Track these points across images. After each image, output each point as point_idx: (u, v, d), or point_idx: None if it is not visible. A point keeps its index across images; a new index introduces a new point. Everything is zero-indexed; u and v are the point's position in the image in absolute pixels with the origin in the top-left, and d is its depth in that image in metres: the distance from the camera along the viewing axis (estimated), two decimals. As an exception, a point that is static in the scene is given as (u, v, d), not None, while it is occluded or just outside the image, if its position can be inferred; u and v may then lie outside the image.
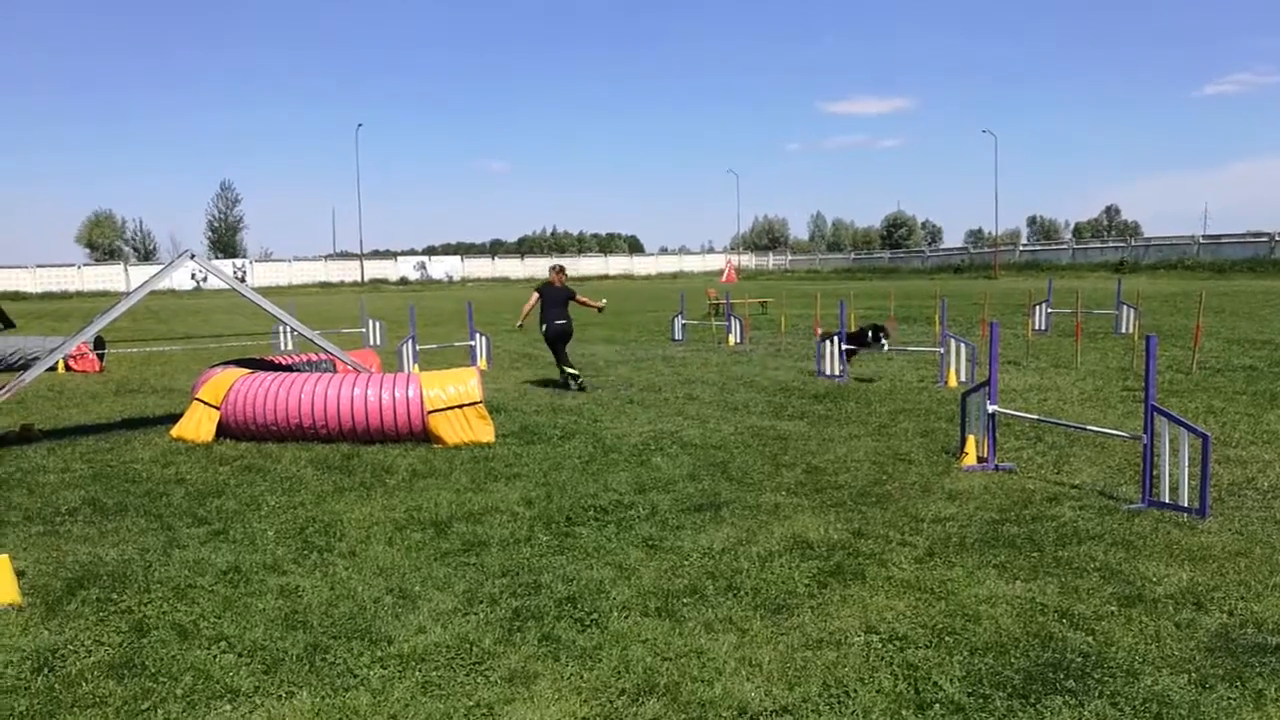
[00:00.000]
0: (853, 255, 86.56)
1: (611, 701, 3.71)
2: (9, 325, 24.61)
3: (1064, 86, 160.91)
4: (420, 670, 4.02)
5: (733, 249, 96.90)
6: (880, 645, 4.17)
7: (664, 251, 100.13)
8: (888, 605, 4.63)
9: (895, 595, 4.77)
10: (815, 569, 5.17)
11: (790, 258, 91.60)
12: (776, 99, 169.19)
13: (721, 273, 64.06)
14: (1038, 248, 70.01)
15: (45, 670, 4.09)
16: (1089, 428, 7.68)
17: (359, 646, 4.28)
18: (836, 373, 12.67)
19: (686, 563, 5.33)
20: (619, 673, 3.95)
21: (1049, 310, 19.45)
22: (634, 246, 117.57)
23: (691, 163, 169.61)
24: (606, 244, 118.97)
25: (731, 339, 18.69)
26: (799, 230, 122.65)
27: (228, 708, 3.74)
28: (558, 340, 12.46)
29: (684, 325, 20.09)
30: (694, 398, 11.40)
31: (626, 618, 4.54)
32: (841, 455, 7.96)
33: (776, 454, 8.07)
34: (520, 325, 13.82)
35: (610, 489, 7.01)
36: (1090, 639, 4.19)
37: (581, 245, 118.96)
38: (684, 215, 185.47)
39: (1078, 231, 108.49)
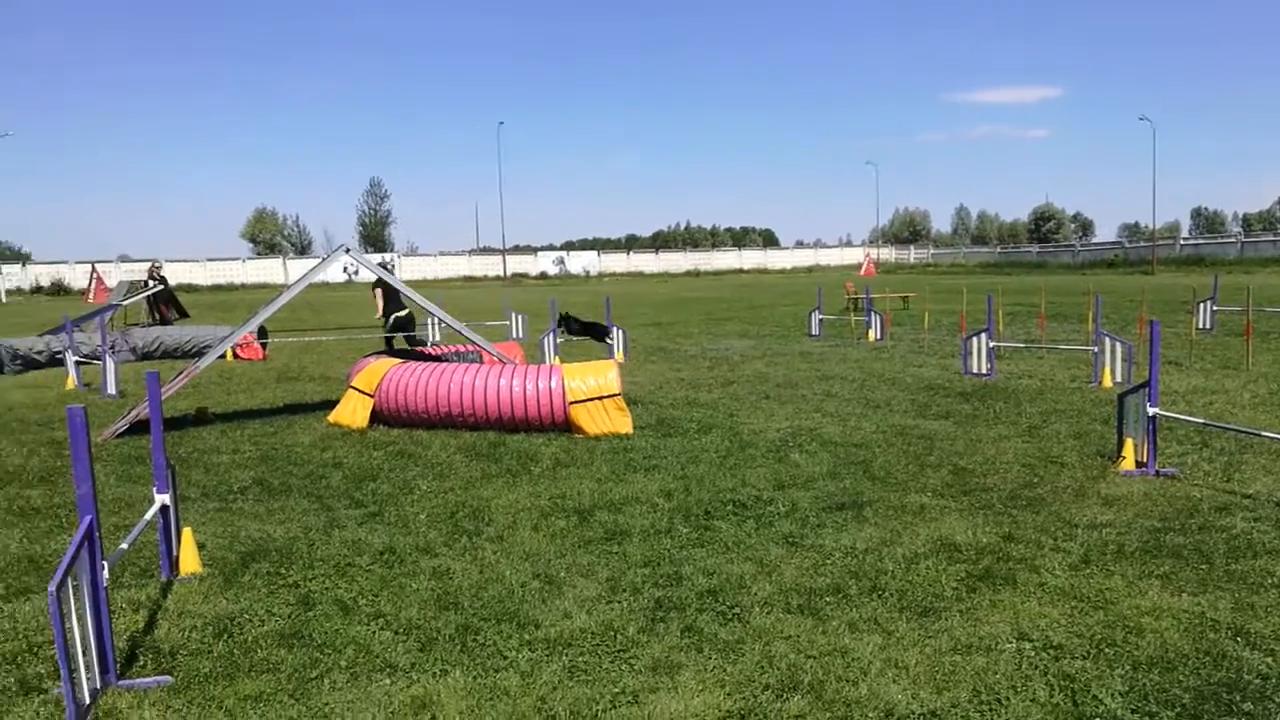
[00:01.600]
0: (998, 249, 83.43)
1: (755, 696, 3.71)
2: (183, 315, 26.46)
3: (1229, 69, 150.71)
4: (567, 655, 4.12)
5: (871, 242, 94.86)
6: (1034, 653, 4.03)
7: (799, 245, 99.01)
8: (1041, 612, 4.47)
9: (1049, 602, 4.60)
10: (963, 572, 5.04)
11: (932, 251, 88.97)
12: (917, 88, 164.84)
13: (860, 266, 62.84)
14: (1201, 241, 65.87)
15: (225, 636, 4.40)
16: (1265, 433, 7.19)
17: (508, 629, 4.42)
18: (984, 371, 12.27)
19: (828, 561, 5.28)
20: (762, 667, 3.96)
21: (1214, 308, 18.27)
22: (768, 240, 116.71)
23: (828, 155, 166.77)
24: (740, 238, 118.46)
25: (871, 334, 18.33)
26: (941, 223, 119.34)
27: (386, 681, 3.93)
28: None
29: (821, 320, 19.82)
30: (832, 394, 11.24)
31: (768, 613, 4.54)
32: (990, 456, 7.71)
33: (921, 454, 7.88)
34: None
35: (748, 484, 7.00)
36: (1270, 660, 3.93)
37: (715, 239, 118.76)
38: (820, 208, 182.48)
39: (1247, 224, 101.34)
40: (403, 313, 14.33)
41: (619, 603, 4.72)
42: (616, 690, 3.78)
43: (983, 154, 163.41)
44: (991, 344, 12.36)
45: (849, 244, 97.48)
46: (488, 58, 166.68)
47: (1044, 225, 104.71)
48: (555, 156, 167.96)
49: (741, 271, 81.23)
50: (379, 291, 14.22)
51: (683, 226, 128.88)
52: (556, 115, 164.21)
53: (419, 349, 12.30)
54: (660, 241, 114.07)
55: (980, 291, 27.31)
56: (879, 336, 18.17)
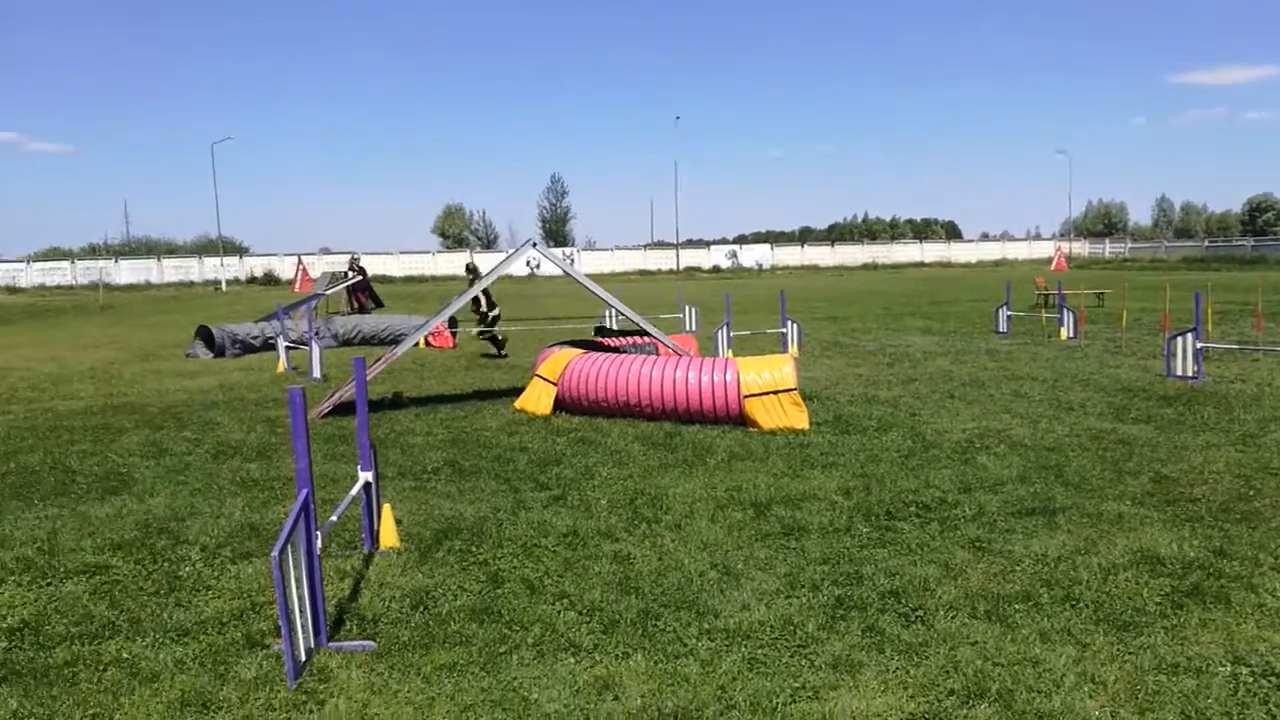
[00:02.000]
0: (1206, 243, 77.24)
1: (940, 700, 3.63)
2: (380, 305, 28.08)
3: None
4: (746, 646, 4.15)
5: (1063, 235, 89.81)
6: (1252, 680, 3.75)
7: (985, 238, 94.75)
8: (1259, 636, 4.15)
9: (1269, 626, 4.26)
10: (1168, 587, 4.73)
11: (1130, 245, 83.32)
12: (1115, 70, 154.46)
13: (1050, 260, 59.65)
14: None
15: (421, 608, 4.67)
16: None
17: (687, 617, 4.49)
18: (1190, 374, 11.43)
19: (1018, 568, 5.07)
20: (947, 672, 3.86)
21: None
22: (951, 232, 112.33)
23: (1016, 143, 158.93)
24: (921, 230, 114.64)
25: (1064, 332, 17.39)
26: (1140, 215, 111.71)
27: (571, 660, 4.07)
28: None
29: (1009, 317, 18.96)
30: (1022, 395, 10.75)
31: (953, 618, 4.41)
32: (1197, 465, 7.19)
33: (1119, 460, 7.44)
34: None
35: (932, 485, 6.81)
36: None
37: (894, 231, 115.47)
38: (1007, 199, 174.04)
39: None
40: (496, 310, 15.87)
41: (798, 598, 4.70)
42: (796, 685, 3.78)
43: (1189, 140, 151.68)
44: (1199, 345, 11.49)
45: (1038, 237, 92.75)
46: (661, 53, 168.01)
47: (1261, 216, 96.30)
48: (730, 149, 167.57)
49: (922, 265, 78.66)
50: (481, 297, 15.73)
51: (860, 218, 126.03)
52: (731, 107, 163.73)
53: (603, 340, 12.59)
54: (836, 234, 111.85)
55: (1185, 288, 25.37)
56: (1072, 335, 17.21)
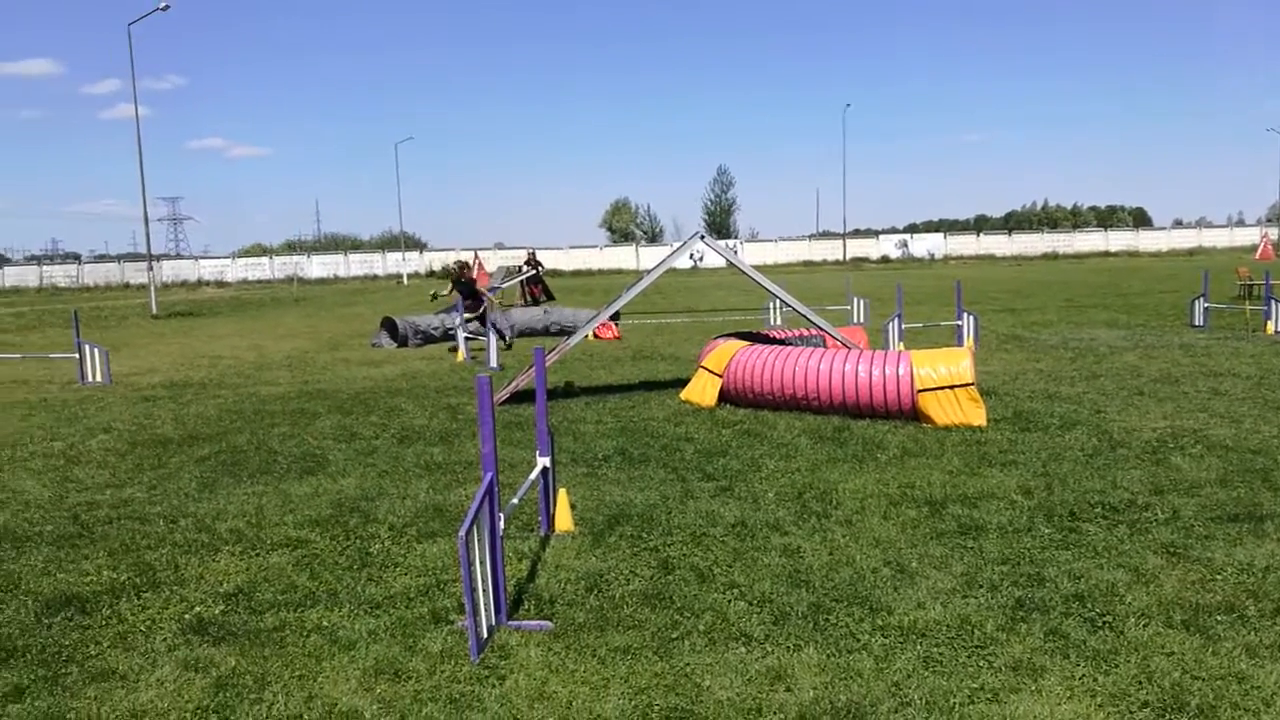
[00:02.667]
0: None
1: (1132, 712, 3.45)
2: (550, 298, 28.89)
3: None
4: (921, 645, 4.07)
5: (1269, 221, 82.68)
6: None
7: (1177, 225, 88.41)
8: None
9: None
10: (1396, 605, 4.32)
11: (1351, 231, 75.86)
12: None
13: (1255, 248, 55.05)
14: None
15: (595, 590, 4.81)
16: None
17: (859, 612, 4.43)
18: None
19: (1219, 577, 4.75)
20: (1139, 682, 3.66)
21: None
22: (1139, 219, 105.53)
23: (1214, 122, 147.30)
24: (1106, 217, 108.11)
25: (1270, 326, 16.04)
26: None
27: (742, 649, 4.10)
28: None
29: (1207, 309, 17.65)
30: (1221, 392, 10.01)
31: (1145, 626, 4.18)
32: None
33: (1337, 464, 6.83)
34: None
35: (1120, 486, 6.45)
36: None
37: (1076, 219, 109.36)
38: (1203, 183, 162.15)
39: None
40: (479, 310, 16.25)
41: (975, 598, 4.57)
42: (975, 685, 3.68)
43: None
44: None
45: (1241, 223, 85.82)
46: (831, 35, 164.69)
47: None
48: (900, 136, 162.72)
49: (1108, 254, 74.21)
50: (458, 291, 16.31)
51: (1039, 206, 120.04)
52: (902, 93, 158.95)
53: (769, 332, 12.53)
54: (1013, 222, 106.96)
55: None
56: (1280, 329, 15.87)
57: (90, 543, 5.90)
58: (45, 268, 74.23)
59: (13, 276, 71.04)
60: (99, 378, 13.79)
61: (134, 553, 5.67)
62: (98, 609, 4.79)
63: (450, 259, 71.96)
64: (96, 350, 14.04)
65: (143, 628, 4.53)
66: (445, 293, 16.86)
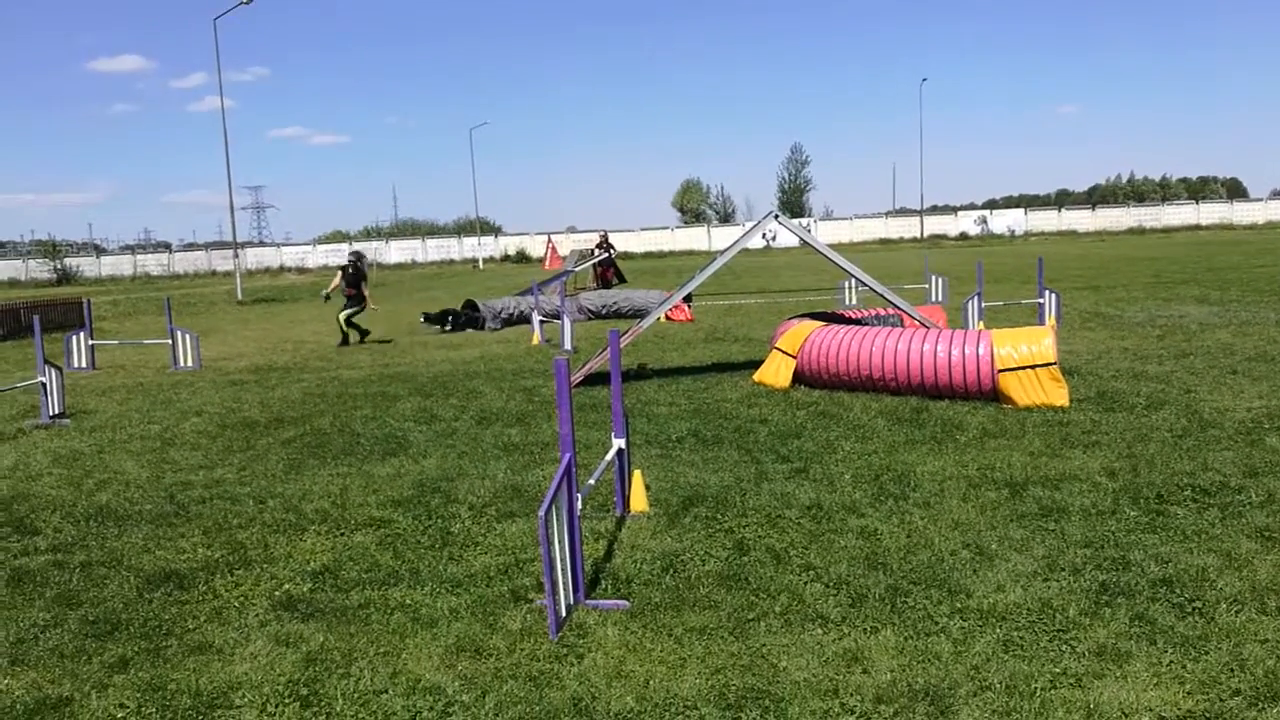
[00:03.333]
0: None
1: (1223, 700, 3.36)
2: (622, 280, 28.99)
3: None
4: (1001, 628, 4.01)
5: (1376, 190, 78.55)
6: None
7: (1276, 196, 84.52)
8: None
9: None
10: None
11: None
12: None
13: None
14: None
15: (671, 571, 4.85)
16: None
17: (937, 595, 4.39)
18: None
19: (1316, 561, 4.58)
20: (1231, 670, 3.56)
21: None
22: (1234, 190, 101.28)
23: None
24: (1197, 189, 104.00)
25: (1375, 301, 15.31)
26: None
27: (819, 631, 4.10)
28: None
29: (1307, 284, 16.90)
30: (1322, 370, 9.60)
31: (1238, 612, 4.06)
32: None
33: None
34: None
35: (1211, 468, 6.25)
36: None
37: (1166, 191, 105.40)
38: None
39: None
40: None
41: (1057, 581, 4.49)
42: (1057, 670, 3.62)
43: None
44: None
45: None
46: (907, 4, 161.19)
47: None
48: (981, 108, 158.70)
49: (1199, 228, 71.41)
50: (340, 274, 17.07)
51: (1124, 179, 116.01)
52: (982, 65, 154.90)
53: (844, 312, 12.40)
54: (1097, 196, 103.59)
55: None
56: (1387, 303, 15.12)
57: (186, 521, 6.15)
58: (139, 257, 77.06)
59: (109, 266, 73.91)
60: (190, 362, 14.31)
61: (226, 531, 5.89)
62: (194, 585, 5.00)
63: (523, 244, 72.62)
64: (188, 336, 14.57)
65: (236, 603, 4.72)
66: (331, 287, 17.61)
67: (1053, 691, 3.48)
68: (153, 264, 74.71)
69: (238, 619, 4.53)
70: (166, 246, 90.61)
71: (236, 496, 6.70)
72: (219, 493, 6.82)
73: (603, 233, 34.14)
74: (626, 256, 65.01)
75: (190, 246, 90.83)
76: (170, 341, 14.51)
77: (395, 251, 74.72)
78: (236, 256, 39.40)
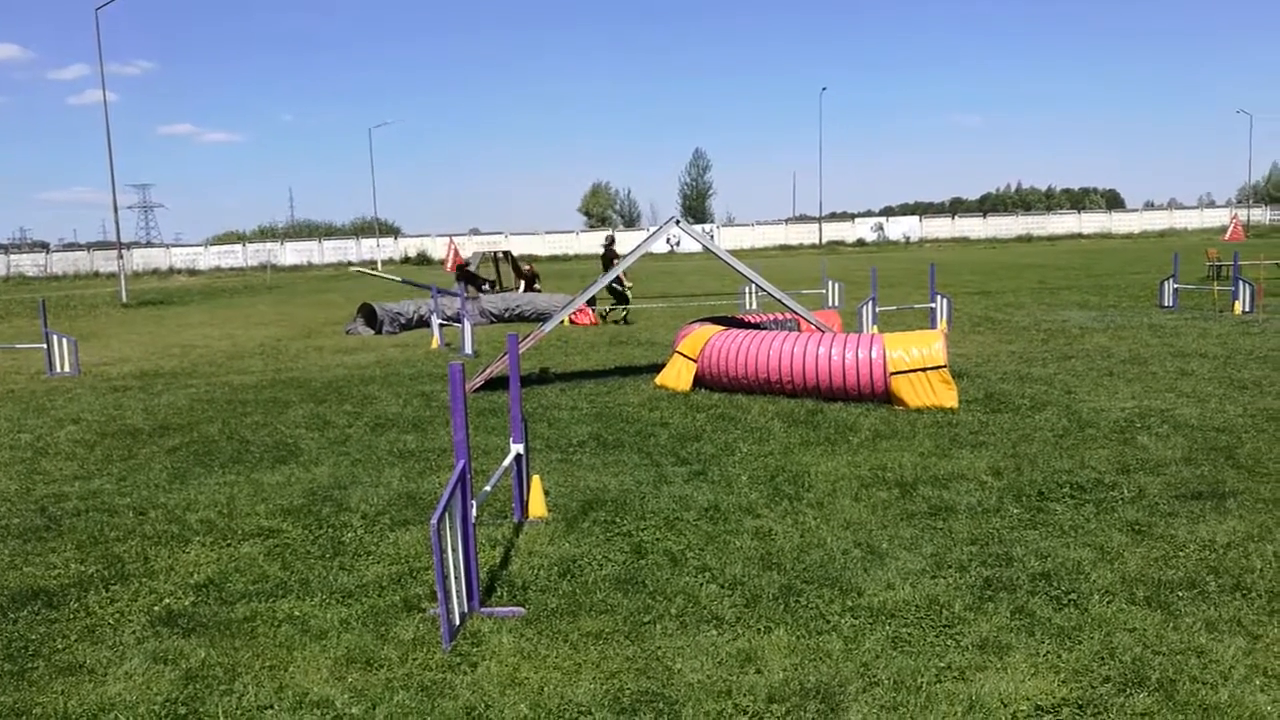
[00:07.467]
0: None
1: (1094, 687, 3.51)
2: (530, 286, 28.75)
3: None
4: (890, 625, 4.11)
5: (1239, 202, 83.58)
6: None
7: (1149, 207, 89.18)
8: None
9: None
10: (1354, 579, 4.41)
11: (1319, 212, 76.74)
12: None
13: (1224, 230, 55.61)
14: None
15: (568, 576, 4.82)
16: None
17: (830, 594, 4.47)
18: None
19: (1181, 553, 4.82)
20: (1102, 658, 3.72)
21: None
22: (1112, 201, 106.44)
23: (1185, 105, 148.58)
24: (1079, 199, 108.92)
25: (1239, 306, 16.26)
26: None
27: (713, 632, 4.13)
28: None
29: (1176, 290, 17.85)
30: (1189, 372, 10.14)
31: (1109, 603, 4.24)
32: (1391, 449, 6.63)
33: (1299, 441, 6.94)
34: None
35: (1088, 466, 6.53)
36: None
37: (1050, 201, 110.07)
38: (1174, 165, 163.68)
39: None
40: None
41: (944, 578, 4.62)
42: (942, 665, 3.72)
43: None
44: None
45: (1211, 205, 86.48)
46: (808, 16, 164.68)
47: None
48: (877, 118, 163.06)
49: (1080, 236, 74.85)
50: None
51: (1013, 188, 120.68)
52: (878, 75, 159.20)
53: (744, 316, 12.56)
54: (988, 205, 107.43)
55: (1384, 257, 23.22)
56: (1247, 309, 16.08)
57: (58, 535, 5.85)
58: (13, 256, 73.17)
59: (-22, 266, 70.04)
60: (67, 368, 13.64)
61: (102, 545, 5.62)
62: (65, 602, 4.75)
63: (424, 245, 71.51)
64: (65, 340, 13.88)
65: (111, 620, 4.51)
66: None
67: (938, 685, 3.57)
68: (28, 264, 71.05)
69: (112, 637, 4.32)
70: (44, 246, 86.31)
71: (115, 508, 6.40)
72: (95, 504, 6.50)
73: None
74: (532, 260, 64.67)
75: (71, 246, 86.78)
76: (45, 346, 13.80)
77: (291, 253, 72.72)
78: (120, 257, 37.74)
